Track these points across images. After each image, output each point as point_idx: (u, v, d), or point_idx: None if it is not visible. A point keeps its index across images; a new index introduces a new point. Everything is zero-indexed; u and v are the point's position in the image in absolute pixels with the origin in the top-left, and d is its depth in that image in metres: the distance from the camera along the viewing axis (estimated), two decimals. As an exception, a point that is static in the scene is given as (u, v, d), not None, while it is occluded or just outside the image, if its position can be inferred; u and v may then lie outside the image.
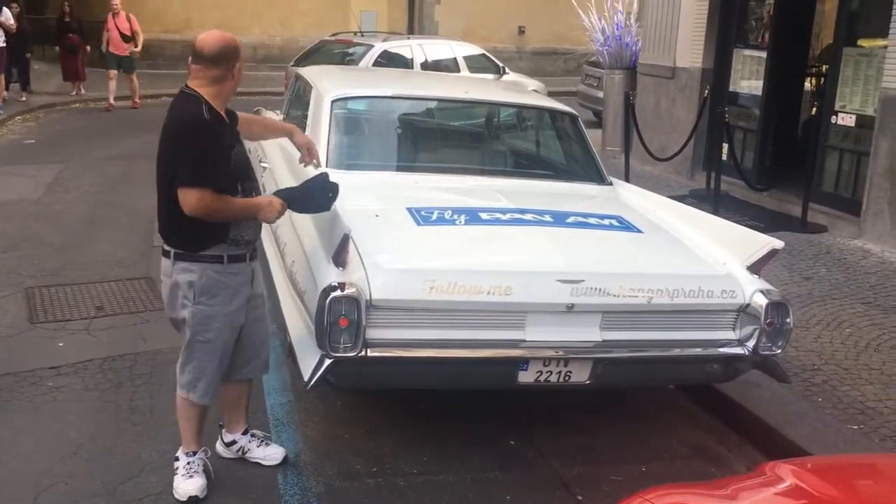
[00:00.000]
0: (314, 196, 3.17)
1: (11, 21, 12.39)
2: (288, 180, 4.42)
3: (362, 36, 12.68)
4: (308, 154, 3.64)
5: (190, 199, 2.90)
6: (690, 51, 9.34)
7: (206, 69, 3.02)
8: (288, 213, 3.25)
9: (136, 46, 13.62)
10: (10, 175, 8.77)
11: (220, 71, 3.02)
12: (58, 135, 11.38)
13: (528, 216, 3.85)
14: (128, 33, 13.43)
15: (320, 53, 12.13)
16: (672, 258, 3.79)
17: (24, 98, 13.69)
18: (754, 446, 3.88)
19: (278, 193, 3.18)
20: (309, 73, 5.72)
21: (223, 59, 3.01)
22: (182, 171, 2.90)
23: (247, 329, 3.28)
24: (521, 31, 21.97)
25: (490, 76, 11.99)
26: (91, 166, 9.33)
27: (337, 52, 12.16)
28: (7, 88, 13.39)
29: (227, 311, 3.12)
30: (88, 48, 14.89)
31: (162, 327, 4.84)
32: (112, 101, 13.65)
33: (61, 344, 4.59)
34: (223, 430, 3.56)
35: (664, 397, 4.37)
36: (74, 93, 14.59)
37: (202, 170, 2.90)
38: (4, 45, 12.25)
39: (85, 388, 4.10)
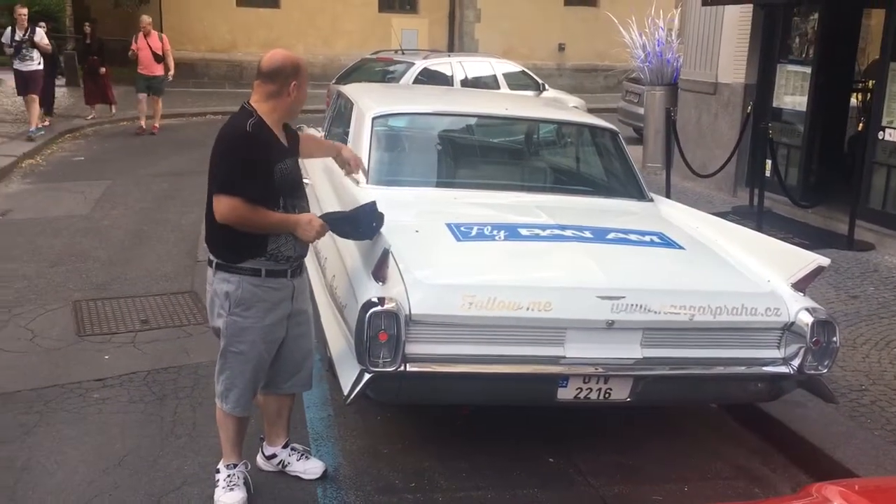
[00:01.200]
0: (360, 223, 3.17)
1: (46, 41, 12.03)
2: (329, 197, 4.48)
3: (403, 54, 12.79)
4: (353, 164, 3.78)
5: (222, 206, 3.00)
6: (733, 66, 9.26)
7: (263, 84, 3.12)
8: (316, 196, 3.33)
9: (168, 68, 13.00)
10: (60, 191, 9.00)
11: (275, 87, 3.09)
12: (106, 152, 11.65)
13: (568, 232, 3.84)
14: (160, 53, 12.83)
15: (361, 71, 12.26)
16: (715, 275, 3.74)
17: (46, 122, 12.83)
18: (799, 467, 3.81)
19: (324, 216, 3.20)
20: (350, 90, 5.79)
21: (279, 75, 3.08)
22: (217, 179, 3.04)
23: (288, 345, 3.28)
24: (561, 48, 21.98)
25: (530, 93, 12.00)
26: (138, 183, 9.53)
27: (378, 70, 12.28)
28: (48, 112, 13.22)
29: (261, 324, 3.14)
30: (104, 70, 14.04)
31: (205, 341, 4.93)
32: (143, 124, 13.13)
33: (107, 357, 4.68)
34: (264, 444, 3.59)
35: (706, 416, 4.31)
36: (92, 116, 13.97)
37: (236, 179, 2.99)
38: (41, 66, 11.91)
39: (130, 400, 4.17)
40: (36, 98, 11.80)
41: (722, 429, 4.20)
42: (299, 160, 3.39)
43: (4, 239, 7.02)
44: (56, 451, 3.66)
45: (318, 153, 3.99)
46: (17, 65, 11.68)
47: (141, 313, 5.35)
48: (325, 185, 4.85)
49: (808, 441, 3.83)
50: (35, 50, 11.66)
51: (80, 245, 6.90)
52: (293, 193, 3.16)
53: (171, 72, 13.09)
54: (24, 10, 11.80)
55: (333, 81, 11.77)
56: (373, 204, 3.21)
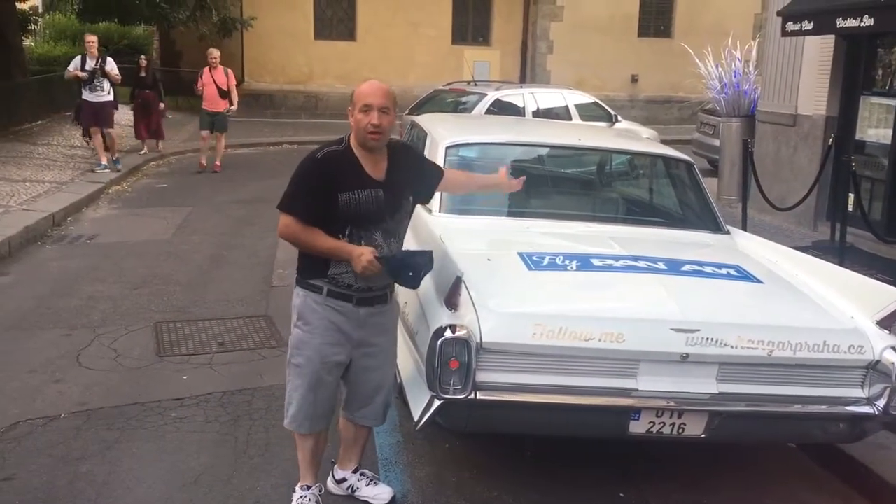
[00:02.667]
0: (411, 267, 3.07)
1: (117, 71, 11.52)
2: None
3: (475, 85, 12.92)
4: (517, 183, 3.95)
5: (280, 222, 3.15)
6: (814, 98, 9.05)
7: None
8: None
9: (232, 104, 12.49)
10: (144, 217, 9.35)
11: (349, 115, 3.18)
12: (187, 180, 12.05)
13: (642, 263, 3.80)
14: (225, 88, 12.27)
15: (434, 102, 12.43)
16: (794, 310, 3.65)
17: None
18: (884, 513, 3.65)
19: (382, 254, 3.11)
20: (424, 120, 5.88)
21: (350, 104, 3.18)
22: (282, 197, 3.17)
23: (356, 374, 3.31)
24: (634, 79, 21.85)
25: (602, 124, 11.96)
26: (217, 209, 9.83)
27: (450, 101, 12.43)
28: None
29: (319, 341, 3.18)
30: (164, 105, 14.00)
31: (278, 364, 5.01)
32: (204, 161, 12.54)
33: (185, 377, 4.81)
34: (335, 467, 3.63)
35: (784, 455, 4.17)
36: (144, 151, 13.50)
37: (293, 199, 3.12)
38: (111, 97, 11.55)
39: (206, 419, 4.27)
40: (109, 131, 11.66)
41: (801, 470, 4.06)
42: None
43: (92, 261, 7.32)
44: (135, 468, 3.77)
45: (469, 188, 4.08)
46: (87, 95, 11.35)
47: (217, 336, 5.50)
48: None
49: (891, 485, 3.68)
50: (106, 80, 11.36)
51: (161, 269, 7.14)
52: (364, 224, 3.12)
53: (234, 107, 12.68)
54: (94, 38, 11.58)
55: (407, 112, 11.96)
56: (430, 253, 3.13)
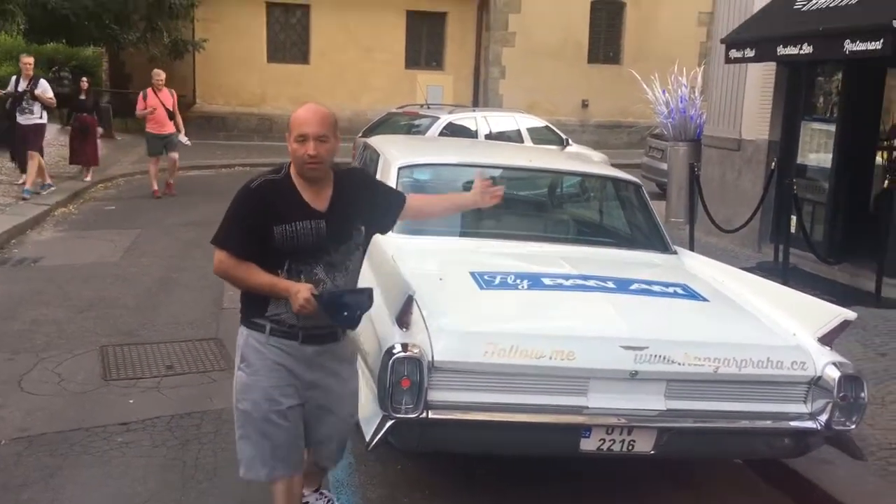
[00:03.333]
0: (346, 307, 2.83)
1: (50, 94, 11.00)
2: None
3: (428, 108, 13.01)
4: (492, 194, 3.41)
5: (214, 257, 2.93)
6: (757, 123, 9.31)
7: None
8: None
9: (179, 129, 12.05)
10: (91, 239, 9.17)
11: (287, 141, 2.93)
12: (136, 202, 11.86)
13: (591, 282, 3.86)
14: (172, 109, 11.87)
15: (387, 125, 12.46)
16: (739, 327, 3.73)
17: (48, 180, 11.60)
18: (828, 526, 3.73)
19: (322, 292, 2.86)
20: (376, 142, 5.90)
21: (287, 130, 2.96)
22: (217, 230, 2.97)
23: (307, 415, 3.06)
24: (585, 104, 22.20)
25: (554, 148, 12.12)
26: (166, 232, 9.68)
27: (403, 124, 12.48)
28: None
29: (265, 384, 2.93)
30: (101, 130, 13.39)
31: (228, 387, 4.93)
32: (156, 187, 11.96)
33: (132, 401, 4.72)
34: None
35: (731, 472, 4.24)
36: (88, 178, 12.70)
37: (224, 232, 2.91)
38: (43, 120, 11.01)
39: (153, 444, 4.19)
40: (35, 155, 10.87)
41: (747, 486, 4.13)
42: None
43: (35, 285, 7.14)
44: (79, 495, 3.67)
45: (438, 213, 3.72)
46: (18, 118, 10.76)
47: (166, 359, 5.40)
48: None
49: (835, 499, 3.76)
50: (36, 103, 10.78)
51: (108, 292, 7.00)
52: (303, 257, 2.88)
53: (184, 135, 12.25)
54: (30, 60, 11.07)
55: (360, 135, 11.98)
56: (370, 291, 2.89)
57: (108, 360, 5.33)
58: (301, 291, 2.78)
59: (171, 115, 11.91)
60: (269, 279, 2.86)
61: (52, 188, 11.26)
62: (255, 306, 2.95)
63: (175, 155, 12.16)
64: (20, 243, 8.79)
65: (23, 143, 10.99)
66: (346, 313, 2.83)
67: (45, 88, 10.90)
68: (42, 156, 11.28)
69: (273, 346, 2.94)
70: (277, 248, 2.85)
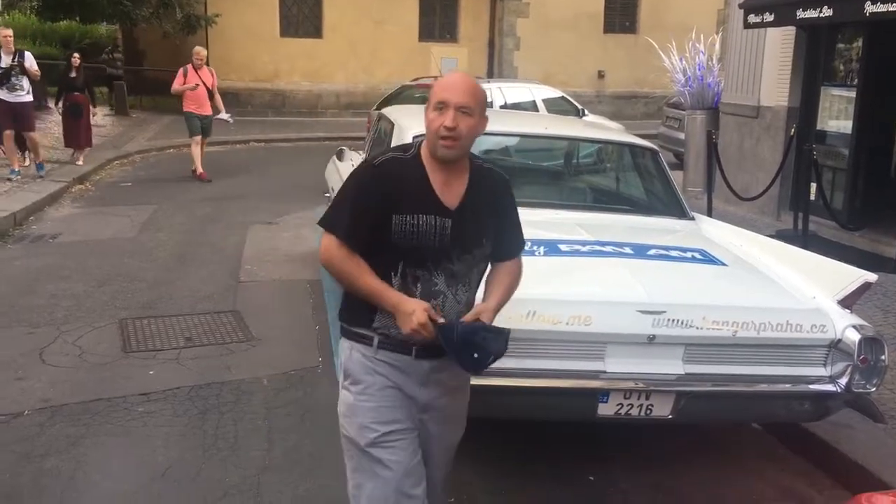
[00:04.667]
0: (478, 347, 2.30)
1: (36, 67, 10.31)
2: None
3: (443, 80, 12.90)
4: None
5: (321, 243, 2.43)
6: (776, 89, 9.18)
7: None
8: None
9: (220, 107, 11.59)
10: (108, 215, 9.22)
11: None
12: (152, 178, 11.91)
13: (608, 248, 3.83)
14: (212, 89, 11.36)
15: (401, 98, 12.42)
16: (758, 291, 3.70)
17: (27, 163, 11.00)
18: (847, 489, 3.71)
19: (450, 322, 2.33)
20: (391, 111, 5.87)
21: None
22: (326, 210, 2.52)
23: (432, 446, 2.56)
24: (601, 75, 22.02)
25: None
26: (182, 207, 9.72)
27: (417, 97, 12.40)
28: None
29: (371, 405, 2.43)
30: (95, 109, 12.86)
31: (246, 358, 5.01)
32: (200, 168, 11.46)
33: (152, 372, 4.75)
34: None
35: (750, 436, 4.23)
36: (80, 161, 11.82)
37: (334, 214, 2.43)
38: (31, 97, 10.36)
39: (174, 414, 4.23)
40: (31, 135, 10.44)
41: (766, 450, 4.12)
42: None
43: (55, 260, 7.20)
44: (101, 463, 3.72)
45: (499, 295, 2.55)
46: (4, 94, 9.95)
47: (185, 331, 5.44)
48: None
49: (856, 463, 3.74)
50: (25, 78, 10.06)
51: (126, 266, 7.05)
52: (421, 261, 2.35)
53: (223, 109, 11.73)
54: (9, 32, 10.26)
55: (374, 108, 11.93)
56: (506, 335, 2.37)
57: (127, 332, 5.38)
58: (416, 313, 2.27)
59: (211, 95, 11.42)
60: (379, 285, 2.35)
61: (43, 172, 10.55)
62: (360, 316, 2.44)
63: (206, 139, 11.70)
64: (38, 220, 8.85)
65: (9, 123, 10.13)
66: (476, 355, 2.29)
67: (32, 61, 10.21)
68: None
69: (382, 360, 2.44)
70: (394, 243, 2.34)
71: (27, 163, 10.99)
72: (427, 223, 2.34)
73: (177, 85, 11.20)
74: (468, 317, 2.37)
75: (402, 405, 2.45)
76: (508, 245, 2.57)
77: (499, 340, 2.34)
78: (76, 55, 12.38)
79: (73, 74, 12.03)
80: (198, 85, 11.16)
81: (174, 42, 18.89)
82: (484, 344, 2.30)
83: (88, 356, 4.96)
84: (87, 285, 6.43)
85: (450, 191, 2.39)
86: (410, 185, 2.35)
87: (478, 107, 2.35)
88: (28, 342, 5.13)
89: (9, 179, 10.06)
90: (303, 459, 3.79)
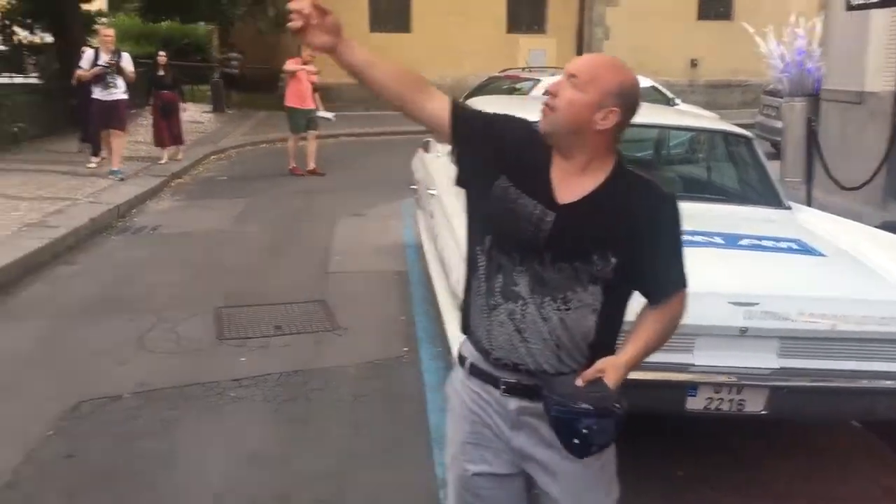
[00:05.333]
0: (585, 435, 1.83)
1: (132, 68, 10.48)
2: (456, 210, 4.51)
3: (530, 71, 12.83)
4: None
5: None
6: (881, 74, 8.71)
7: None
8: (447, 221, 3.05)
9: (320, 105, 11.64)
10: (205, 208, 9.53)
11: None
12: (246, 172, 12.25)
13: (699, 238, 3.71)
14: (314, 84, 11.53)
15: (489, 89, 12.37)
16: (859, 282, 3.51)
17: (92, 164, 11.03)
18: (957, 493, 3.50)
19: (549, 396, 1.87)
20: (476, 102, 5.85)
21: None
22: None
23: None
24: (694, 63, 21.42)
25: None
26: (274, 200, 9.96)
27: (505, 88, 12.37)
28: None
29: (458, 438, 2.12)
30: (185, 106, 12.87)
31: (334, 347, 5.09)
32: (295, 163, 11.59)
33: (243, 359, 4.89)
34: None
35: (849, 434, 4.04)
36: (164, 160, 11.73)
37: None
38: (126, 96, 10.44)
39: (263, 399, 4.34)
40: (121, 134, 10.52)
41: (866, 448, 3.92)
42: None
43: (155, 251, 7.51)
44: (195, 445, 3.84)
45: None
46: (99, 93, 10.19)
47: (275, 320, 5.57)
48: (450, 195, 4.89)
49: (968, 466, 3.52)
50: (119, 77, 10.23)
51: (221, 257, 7.27)
52: (507, 247, 1.95)
53: (322, 106, 11.79)
54: (111, 32, 10.59)
55: (462, 99, 11.92)
56: (618, 419, 1.88)
57: (221, 320, 5.54)
58: None
59: (314, 91, 11.55)
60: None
61: (121, 175, 10.33)
62: (465, 328, 2.10)
63: (315, 132, 11.77)
64: (140, 212, 9.23)
65: (103, 121, 10.38)
66: (576, 441, 1.84)
67: (128, 62, 10.41)
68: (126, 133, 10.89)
69: (472, 389, 2.08)
70: (489, 211, 1.98)
71: (98, 160, 11.01)
72: (525, 205, 1.93)
73: (291, 65, 11.38)
74: (588, 374, 1.88)
75: (492, 446, 2.05)
76: (657, 280, 2.00)
77: (605, 431, 1.83)
78: (162, 54, 12.56)
79: (161, 73, 12.15)
80: (296, 81, 11.26)
81: (267, 40, 19.39)
82: (589, 432, 1.82)
83: (185, 342, 5.14)
84: (185, 275, 6.66)
85: (569, 183, 1.95)
86: (529, 158, 1.98)
87: (591, 85, 1.89)
88: (129, 329, 5.35)
89: (120, 180, 10.24)
90: (388, 448, 3.83)
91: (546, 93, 1.96)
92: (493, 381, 2.02)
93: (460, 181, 2.07)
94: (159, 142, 12.10)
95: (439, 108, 2.03)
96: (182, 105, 12.62)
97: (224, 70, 20.61)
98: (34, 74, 17.50)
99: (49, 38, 16.01)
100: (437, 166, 6.20)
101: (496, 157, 1.99)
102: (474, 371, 2.06)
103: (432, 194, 5.44)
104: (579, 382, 1.88)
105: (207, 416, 4.14)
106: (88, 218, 8.09)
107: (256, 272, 6.80)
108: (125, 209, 9.04)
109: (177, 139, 12.24)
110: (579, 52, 21.48)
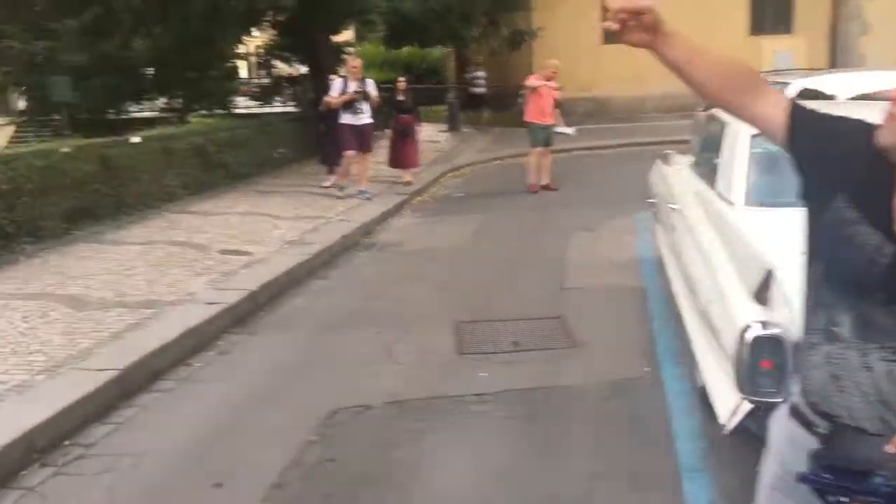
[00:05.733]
0: None
1: (376, 93, 11.09)
2: (701, 223, 4.29)
3: (777, 74, 12.01)
4: None
5: None
6: None
7: None
8: (693, 237, 2.99)
9: (561, 120, 11.45)
10: (444, 224, 9.90)
11: None
12: (482, 189, 12.57)
13: None
14: (556, 100, 11.63)
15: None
16: None
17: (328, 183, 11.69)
18: None
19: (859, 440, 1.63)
20: (723, 112, 5.55)
21: None
22: None
23: None
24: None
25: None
26: (508, 216, 10.13)
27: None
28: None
29: (767, 481, 1.90)
30: (421, 129, 13.11)
31: (574, 364, 5.04)
32: (534, 180, 11.64)
33: (484, 374, 4.97)
34: None
35: None
36: (408, 179, 12.16)
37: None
38: (371, 121, 11.10)
39: (504, 415, 4.37)
40: (368, 156, 11.20)
41: None
42: None
43: (398, 266, 7.90)
44: (442, 457, 3.95)
45: None
46: (348, 118, 10.85)
47: (513, 335, 5.62)
48: (694, 209, 4.69)
49: None
50: (366, 103, 10.90)
51: (460, 272, 7.49)
52: (833, 281, 1.65)
53: (562, 121, 11.74)
54: (358, 62, 11.44)
55: (702, 108, 11.43)
56: None
57: (462, 335, 5.68)
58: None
59: (555, 107, 11.70)
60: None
61: (368, 195, 10.96)
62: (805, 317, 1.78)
63: (550, 147, 11.80)
64: (384, 229, 9.75)
65: (351, 143, 10.90)
66: None
67: (373, 87, 11.06)
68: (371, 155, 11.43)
69: (790, 427, 1.80)
70: (820, 235, 1.69)
71: (327, 183, 11.66)
72: (861, 234, 1.58)
73: (533, 80, 11.56)
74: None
75: (796, 496, 1.74)
76: None
77: None
78: (401, 79, 13.08)
79: (401, 98, 12.64)
80: (538, 97, 11.40)
81: (500, 59, 19.82)
82: None
83: (428, 356, 5.33)
84: (427, 289, 6.93)
85: None
86: (872, 176, 1.58)
87: None
88: (377, 341, 5.64)
89: (367, 199, 10.87)
90: (633, 473, 3.70)
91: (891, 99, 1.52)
92: (808, 426, 1.75)
93: (801, 194, 1.75)
94: (395, 163, 12.57)
95: (771, 110, 1.73)
96: (418, 126, 13.05)
97: (470, 89, 21.34)
98: (291, 103, 19.17)
99: (304, 69, 17.44)
100: (679, 179, 5.98)
101: (836, 173, 1.65)
102: (794, 411, 1.79)
103: (673, 209, 5.25)
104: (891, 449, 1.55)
105: (453, 429, 4.24)
106: (340, 235, 8.67)
107: (494, 287, 6.93)
108: (371, 226, 9.60)
109: (412, 161, 12.60)
110: (833, 51, 19.90)
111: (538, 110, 11.46)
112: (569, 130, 12.12)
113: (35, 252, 7.76)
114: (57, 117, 14.43)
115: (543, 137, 11.52)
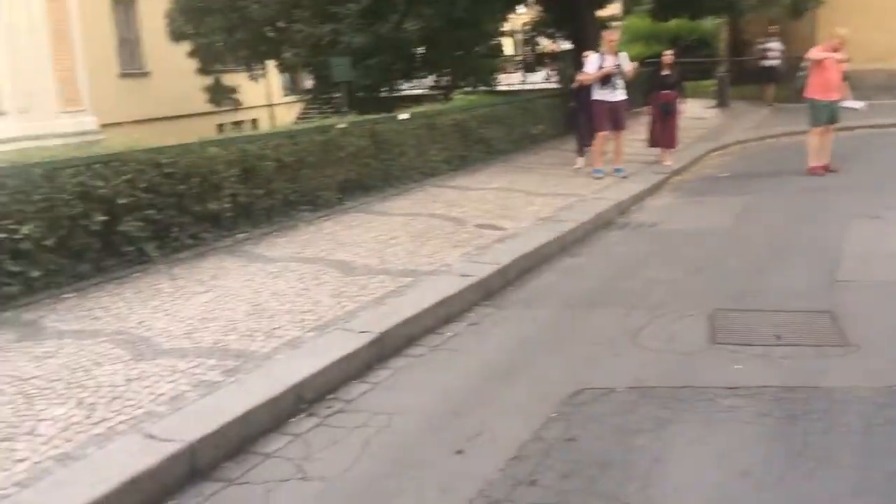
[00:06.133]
0: None
1: (630, 67, 10.67)
2: None
3: None
4: None
5: None
6: None
7: None
8: None
9: (849, 93, 10.68)
10: (703, 205, 9.44)
11: None
12: (750, 168, 11.80)
13: None
14: (847, 72, 10.67)
15: None
16: None
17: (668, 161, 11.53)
18: None
19: None
20: None
21: None
22: None
23: None
24: None
25: None
26: (778, 198, 9.43)
27: None
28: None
29: None
30: (684, 104, 12.44)
31: (842, 365, 4.59)
32: (815, 162, 10.70)
33: (738, 367, 4.67)
34: None
35: None
36: (668, 161, 11.65)
37: None
38: (626, 97, 10.79)
39: (758, 413, 4.08)
40: (622, 134, 10.88)
41: None
42: None
43: (652, 247, 7.65)
44: (684, 448, 3.78)
45: None
46: (603, 94, 10.62)
47: (774, 327, 5.22)
48: None
49: None
50: (621, 79, 10.59)
51: (719, 256, 7.10)
52: None
53: (850, 95, 10.79)
54: (615, 36, 11.16)
55: None
56: None
57: (715, 323, 5.39)
58: None
59: (843, 79, 10.75)
60: None
61: (623, 174, 10.79)
62: None
63: (834, 125, 10.85)
64: (640, 209, 9.49)
65: (605, 121, 10.68)
66: None
67: (626, 62, 10.68)
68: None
69: None
70: None
71: (576, 165, 11.57)
72: None
73: (816, 52, 10.61)
74: None
75: None
76: None
77: None
78: (667, 53, 12.31)
79: (667, 72, 11.90)
80: (823, 70, 10.42)
81: (781, 27, 18.34)
82: None
83: (677, 343, 5.11)
84: (681, 273, 6.65)
85: None
86: None
87: None
88: (624, 322, 5.51)
89: (597, 178, 10.65)
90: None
91: None
92: None
93: None
94: (653, 142, 12.10)
95: None
96: (681, 103, 12.21)
97: (760, 62, 19.97)
98: (552, 80, 19.20)
99: (567, 46, 17.35)
100: None
101: None
102: None
103: None
104: None
105: (699, 421, 4.04)
106: (594, 213, 8.58)
107: (755, 275, 6.49)
108: (626, 205, 9.39)
109: (670, 142, 11.90)
110: None
111: (822, 85, 10.49)
112: (858, 105, 10.84)
113: (312, 219, 8.53)
114: (337, 95, 15.60)
115: (827, 115, 10.56)
